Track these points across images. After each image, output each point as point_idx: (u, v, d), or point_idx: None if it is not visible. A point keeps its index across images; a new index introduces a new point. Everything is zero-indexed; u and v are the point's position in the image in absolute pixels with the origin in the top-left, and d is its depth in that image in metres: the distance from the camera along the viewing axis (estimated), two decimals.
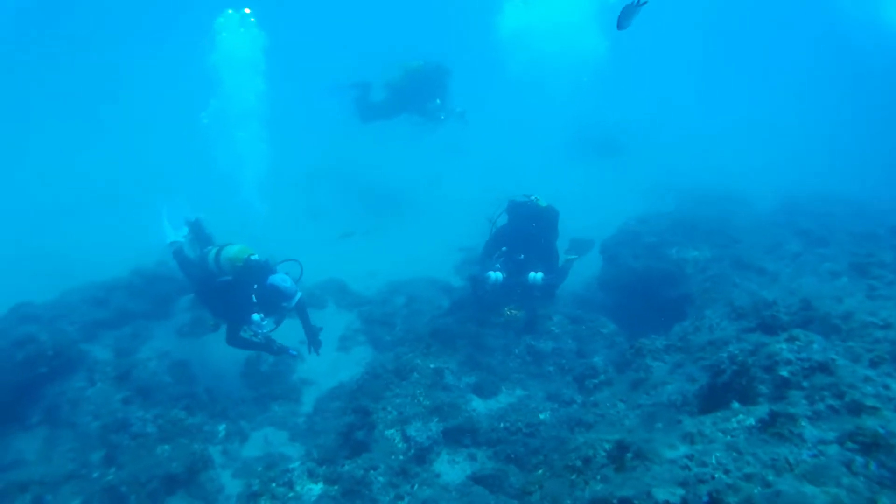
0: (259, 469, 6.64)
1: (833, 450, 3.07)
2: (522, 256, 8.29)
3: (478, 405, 6.68)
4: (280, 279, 7.49)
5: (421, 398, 6.40)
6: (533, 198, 8.54)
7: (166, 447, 6.62)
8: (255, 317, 7.41)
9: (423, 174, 17.59)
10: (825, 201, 12.60)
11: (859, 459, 2.93)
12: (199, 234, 8.93)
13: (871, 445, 2.99)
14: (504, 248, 8.39)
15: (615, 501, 3.20)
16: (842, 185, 14.65)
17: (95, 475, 6.23)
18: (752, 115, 25.36)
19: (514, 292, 8.21)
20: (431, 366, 7.09)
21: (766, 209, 13.35)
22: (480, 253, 8.80)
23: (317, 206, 15.32)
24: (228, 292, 7.56)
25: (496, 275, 8.04)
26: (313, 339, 7.92)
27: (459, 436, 6.12)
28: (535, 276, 8.02)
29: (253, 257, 7.54)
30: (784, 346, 3.98)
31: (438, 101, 13.34)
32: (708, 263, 8.64)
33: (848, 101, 25.67)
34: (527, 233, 8.43)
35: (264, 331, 7.51)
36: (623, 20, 5.18)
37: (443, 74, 13.32)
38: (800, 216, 10.46)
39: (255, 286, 7.45)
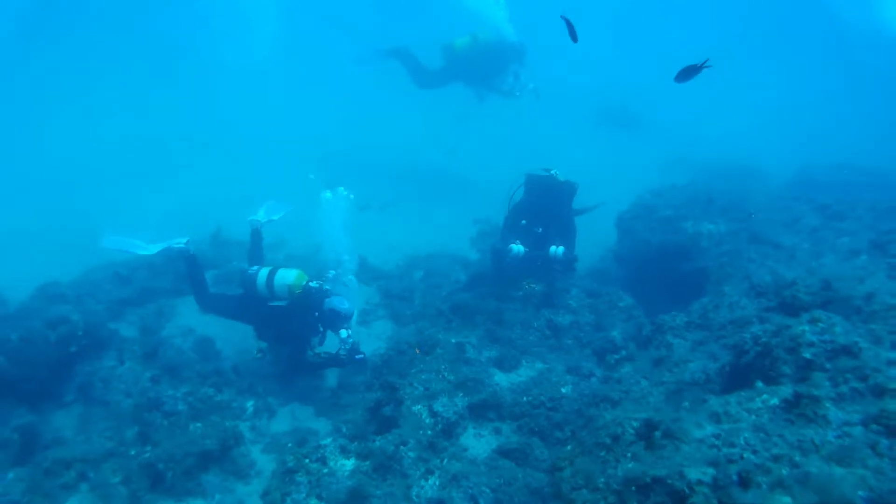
0: (289, 444, 6.89)
1: (857, 431, 3.20)
2: (541, 230, 8.43)
3: (500, 379, 6.84)
4: (338, 302, 7.82)
5: (445, 373, 6.54)
6: (552, 172, 8.62)
7: (198, 425, 6.80)
8: (343, 333, 7.84)
9: (439, 146, 17.57)
10: (842, 171, 12.60)
11: (884, 442, 3.06)
12: (255, 245, 8.89)
13: (895, 428, 3.12)
14: (524, 222, 8.52)
15: (648, 480, 3.35)
16: (857, 154, 14.58)
17: (133, 453, 6.42)
18: (765, 86, 25.14)
19: (534, 265, 8.35)
20: (453, 340, 7.23)
21: (782, 180, 13.38)
22: (501, 226, 8.93)
23: (332, 178, 15.32)
24: (285, 318, 7.80)
25: (518, 247, 8.20)
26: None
27: (484, 410, 6.29)
28: (557, 250, 8.16)
29: (312, 284, 7.77)
30: (807, 327, 4.10)
31: (512, 78, 13.31)
32: (723, 237, 8.71)
33: (860, 70, 25.42)
34: (545, 207, 8.54)
35: (348, 345, 7.85)
36: (682, 76, 5.08)
37: (512, 52, 13.23)
38: (816, 188, 10.48)
39: (316, 313, 7.79)
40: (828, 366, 3.79)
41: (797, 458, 3.10)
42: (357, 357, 7.95)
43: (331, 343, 8.07)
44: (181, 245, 8.49)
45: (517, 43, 13.24)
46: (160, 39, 26.89)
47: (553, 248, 8.19)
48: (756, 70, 27.45)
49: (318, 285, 7.83)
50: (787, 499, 2.84)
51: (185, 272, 8.73)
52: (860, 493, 2.74)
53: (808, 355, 3.92)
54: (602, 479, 3.69)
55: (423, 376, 6.47)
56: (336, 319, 7.88)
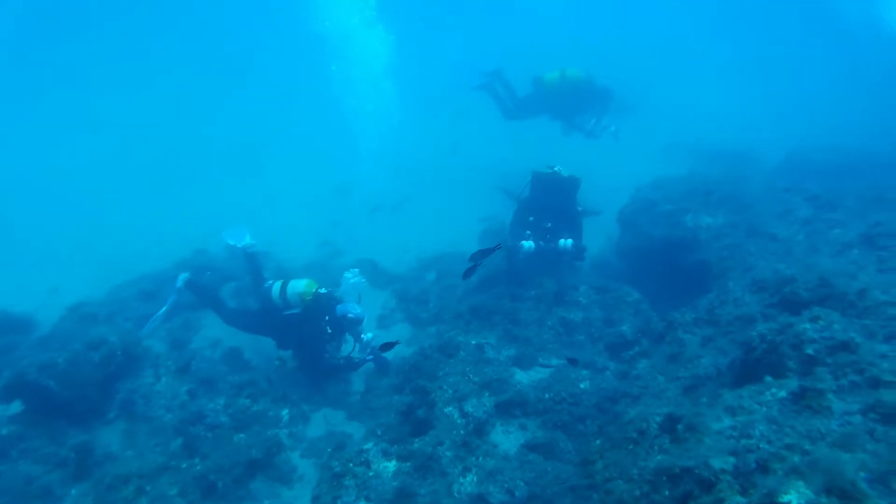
0: (328, 449, 7.33)
1: (857, 420, 3.67)
2: (550, 224, 8.93)
3: (521, 377, 7.28)
4: (350, 307, 8.39)
5: (471, 375, 6.97)
6: (556, 169, 9.10)
7: (242, 435, 7.26)
8: (367, 336, 8.52)
9: (442, 143, 17.89)
10: (833, 153, 13.02)
11: (880, 428, 3.52)
12: (252, 264, 9.42)
13: (890, 416, 3.60)
14: (531, 218, 9.02)
15: (678, 470, 3.80)
16: (842, 132, 14.99)
17: (185, 466, 6.84)
18: (755, 63, 25.54)
19: (545, 259, 8.84)
20: (473, 342, 7.71)
21: (774, 163, 13.81)
22: (510, 223, 9.49)
23: (342, 182, 15.65)
24: (299, 325, 8.34)
25: (528, 243, 8.75)
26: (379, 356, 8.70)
27: (510, 408, 6.73)
28: (566, 242, 8.69)
29: (321, 291, 8.38)
30: (808, 325, 4.56)
31: (594, 120, 13.65)
32: (722, 229, 9.14)
33: (848, 48, 25.83)
34: (551, 202, 9.05)
35: (368, 348, 8.51)
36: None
37: (597, 94, 13.52)
38: (806, 174, 10.92)
39: (327, 317, 8.32)
40: (828, 360, 4.25)
41: (807, 446, 3.56)
42: (368, 357, 8.53)
43: (348, 348, 8.63)
44: (179, 285, 9.28)
45: (604, 87, 13.56)
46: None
47: (562, 241, 8.71)
48: (745, 50, 27.82)
49: (327, 292, 8.43)
50: (801, 482, 3.30)
51: (200, 302, 9.38)
52: (862, 474, 3.20)
53: (810, 351, 4.38)
54: (635, 471, 4.15)
55: (451, 379, 6.91)
56: (349, 323, 8.42)
